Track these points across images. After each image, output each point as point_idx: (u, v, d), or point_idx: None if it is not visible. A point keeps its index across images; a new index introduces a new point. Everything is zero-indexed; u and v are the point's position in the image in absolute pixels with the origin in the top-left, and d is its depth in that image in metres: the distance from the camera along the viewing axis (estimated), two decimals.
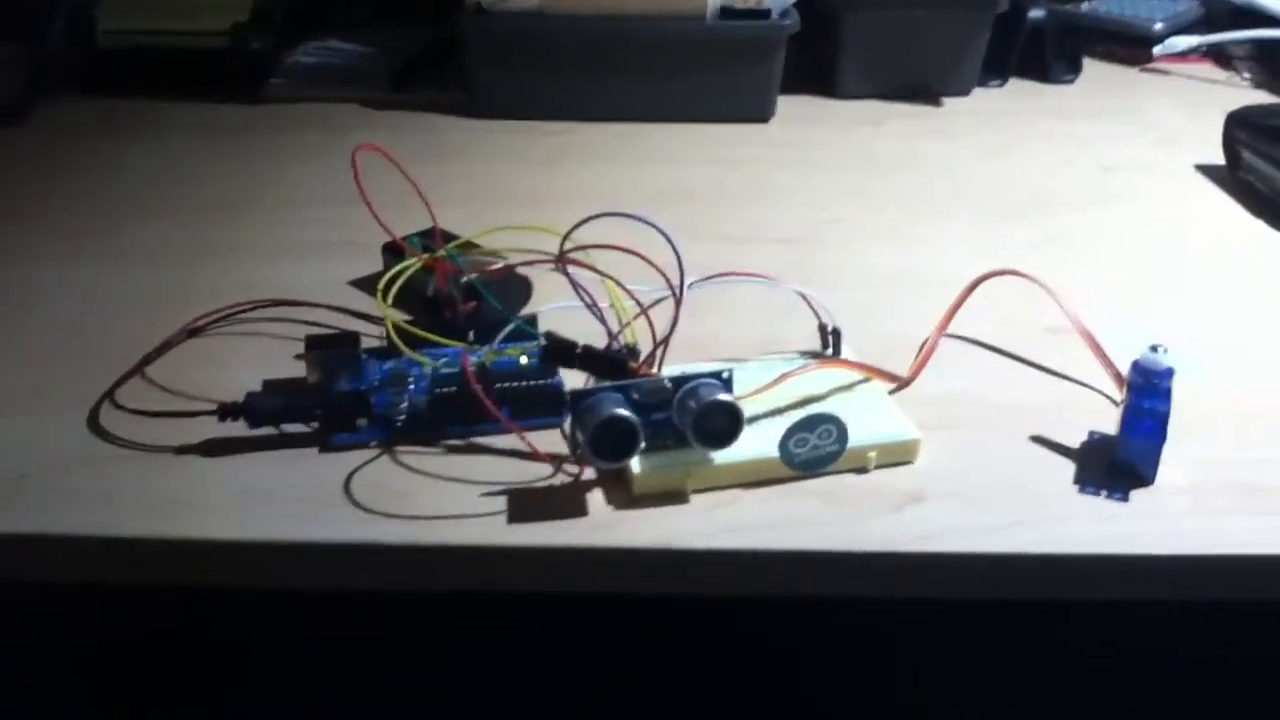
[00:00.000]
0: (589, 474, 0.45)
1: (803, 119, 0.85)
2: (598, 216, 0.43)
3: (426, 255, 0.52)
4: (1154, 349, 0.44)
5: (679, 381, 0.43)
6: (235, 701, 0.54)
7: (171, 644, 0.53)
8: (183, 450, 0.45)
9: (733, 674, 0.51)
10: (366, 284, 0.58)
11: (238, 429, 0.46)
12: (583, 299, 0.46)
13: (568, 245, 0.45)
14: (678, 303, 0.44)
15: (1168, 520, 0.43)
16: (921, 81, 0.89)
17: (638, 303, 0.46)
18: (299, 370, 0.49)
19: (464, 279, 0.51)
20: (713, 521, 0.43)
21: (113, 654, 0.53)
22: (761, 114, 0.83)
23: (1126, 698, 0.49)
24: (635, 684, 0.51)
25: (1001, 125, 0.84)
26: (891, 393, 0.50)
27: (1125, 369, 0.46)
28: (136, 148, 0.77)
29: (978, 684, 0.52)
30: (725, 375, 0.44)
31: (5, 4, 0.84)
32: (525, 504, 0.43)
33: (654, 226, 0.43)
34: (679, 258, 0.43)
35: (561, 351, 0.44)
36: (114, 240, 0.64)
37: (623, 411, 0.42)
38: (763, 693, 0.52)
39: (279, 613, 0.51)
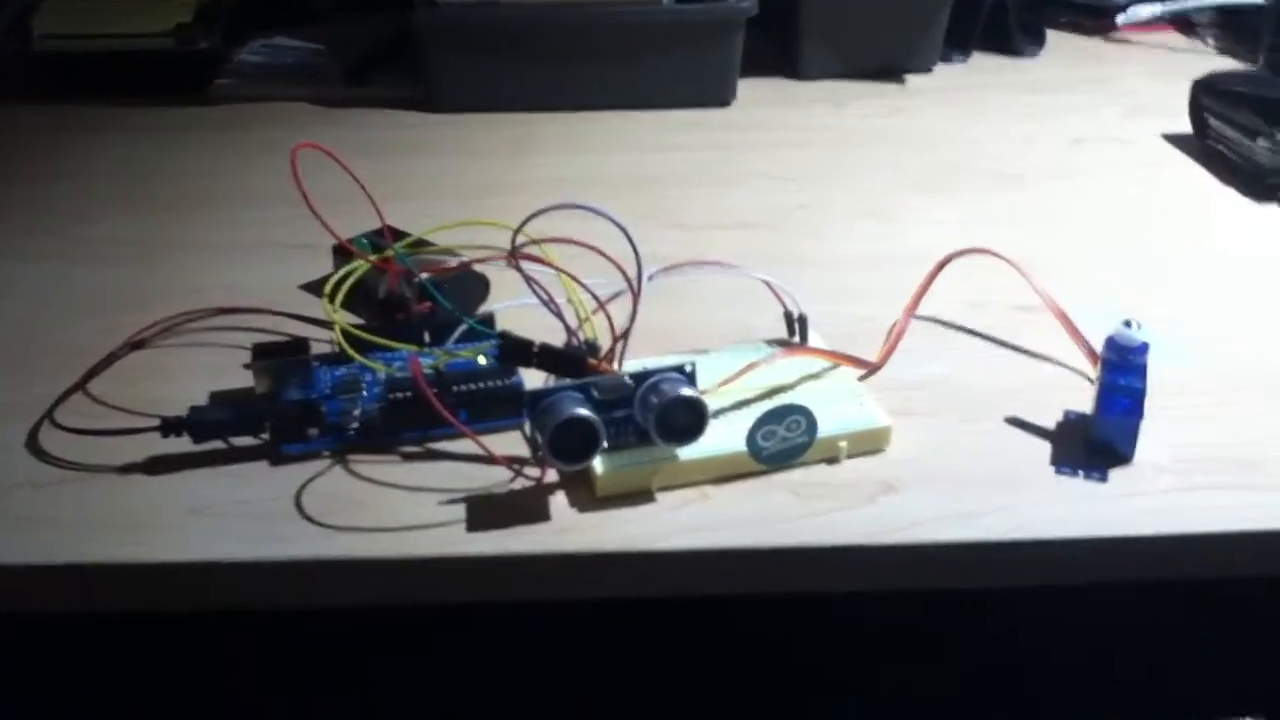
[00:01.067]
0: (551, 476, 0.43)
1: (765, 102, 0.83)
2: (549, 209, 0.42)
3: (374, 256, 0.50)
4: (1127, 324, 0.43)
5: (640, 377, 0.42)
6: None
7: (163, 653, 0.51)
8: (126, 469, 0.43)
9: (718, 671, 0.50)
10: (318, 287, 0.56)
11: (184, 444, 0.44)
12: (538, 295, 0.45)
13: (521, 239, 0.43)
14: (635, 296, 0.42)
15: (1148, 499, 0.42)
16: (884, 60, 0.87)
17: (594, 297, 0.44)
18: (249, 380, 0.47)
19: (416, 279, 0.49)
20: (680, 520, 0.41)
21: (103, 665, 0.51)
22: (722, 98, 0.82)
23: (1120, 678, 0.48)
24: (624, 684, 0.50)
25: (966, 101, 0.83)
26: (861, 379, 0.48)
27: (1099, 345, 0.45)
28: (82, 148, 0.75)
29: (974, 672, 0.50)
30: (688, 368, 0.42)
31: None
32: (485, 510, 0.41)
33: (608, 217, 0.41)
34: (635, 250, 0.42)
35: (517, 351, 0.43)
36: (59, 242, 0.62)
37: (582, 411, 0.40)
38: (749, 689, 0.51)
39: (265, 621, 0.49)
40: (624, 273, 0.42)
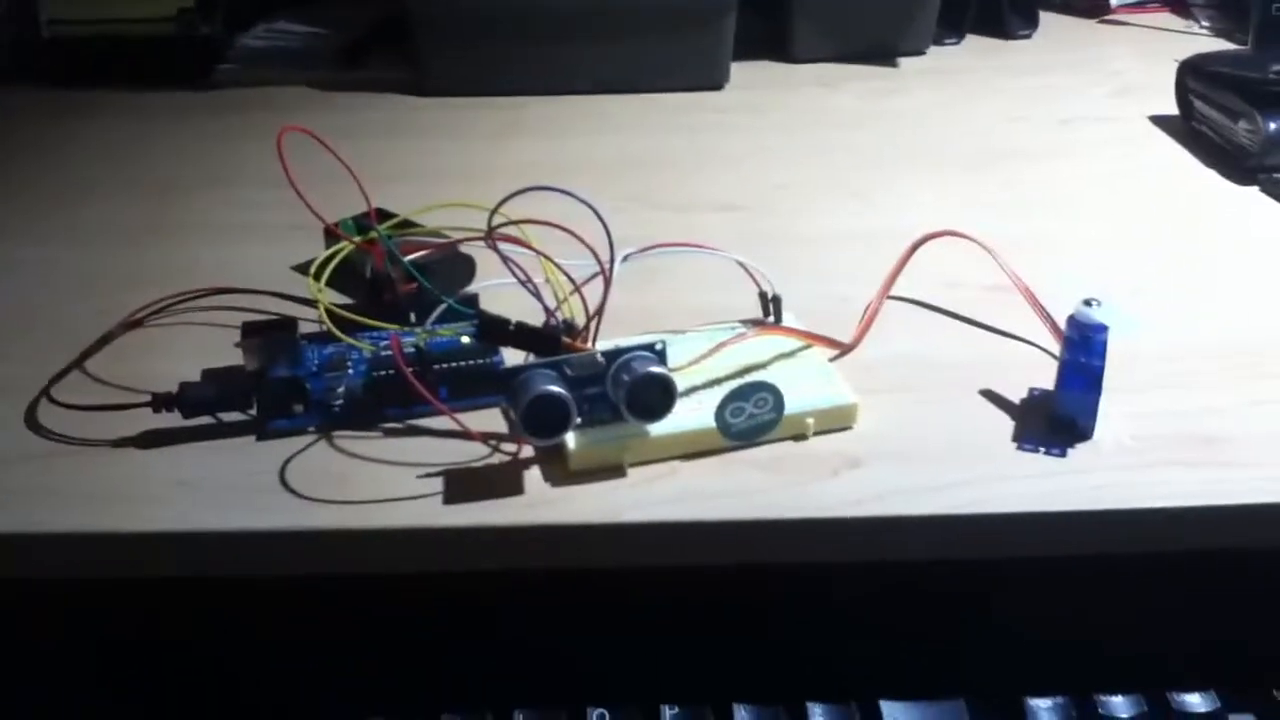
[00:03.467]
0: (527, 452, 0.44)
1: (757, 84, 0.84)
2: (521, 192, 0.43)
3: (358, 238, 0.51)
4: (1087, 303, 0.44)
5: (612, 355, 0.43)
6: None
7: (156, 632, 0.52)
8: (119, 443, 0.45)
9: (689, 639, 0.51)
10: (309, 268, 0.58)
11: (174, 420, 0.45)
12: (516, 275, 0.46)
13: (500, 219, 0.45)
14: (606, 277, 0.43)
15: (1106, 474, 0.43)
16: (877, 42, 0.88)
17: (569, 278, 0.46)
18: (240, 358, 0.48)
19: (403, 260, 0.50)
20: (650, 494, 0.42)
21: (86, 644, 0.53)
22: (715, 81, 0.83)
23: (1079, 646, 0.49)
24: (599, 654, 0.51)
25: (957, 83, 0.84)
26: (834, 359, 0.50)
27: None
28: (84, 133, 0.77)
29: (943, 641, 0.52)
30: (659, 347, 0.44)
31: None
32: (462, 484, 0.43)
33: (578, 199, 0.42)
34: (608, 231, 0.43)
35: (495, 329, 0.44)
36: (60, 223, 0.64)
37: (554, 387, 0.41)
38: (721, 657, 0.52)
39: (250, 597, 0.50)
40: (595, 254, 0.43)
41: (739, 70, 0.84)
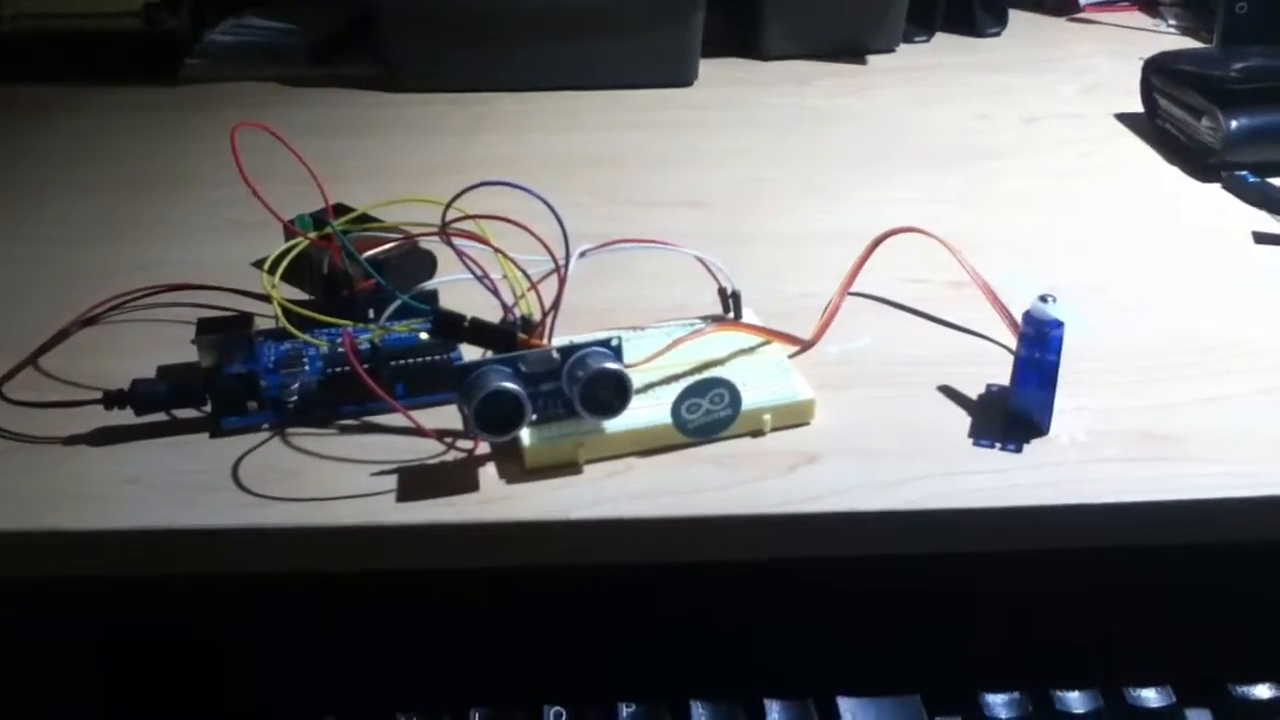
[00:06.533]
0: (483, 449, 0.44)
1: (727, 81, 0.84)
2: (477, 186, 0.43)
3: (314, 234, 0.51)
4: (1043, 299, 0.44)
5: (567, 351, 0.43)
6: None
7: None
8: (70, 441, 0.45)
9: (642, 638, 0.51)
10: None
11: (127, 417, 0.45)
12: (473, 271, 0.46)
13: (456, 214, 0.44)
14: (561, 275, 0.43)
15: (1061, 470, 0.43)
16: (847, 40, 0.88)
17: (525, 275, 0.45)
18: (196, 355, 0.48)
19: (358, 255, 0.50)
20: (605, 491, 0.42)
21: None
22: (683, 78, 0.83)
23: (1039, 642, 0.49)
24: (552, 651, 0.51)
25: (926, 80, 0.84)
26: (793, 356, 0.50)
27: None
28: (48, 127, 0.76)
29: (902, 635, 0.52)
30: (614, 343, 0.44)
31: None
32: (416, 481, 0.42)
33: (534, 194, 0.42)
34: (563, 227, 0.43)
35: (449, 326, 0.44)
36: (21, 218, 0.64)
37: (507, 384, 0.41)
38: (676, 654, 0.52)
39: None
40: (550, 250, 0.43)
41: (708, 67, 0.84)
